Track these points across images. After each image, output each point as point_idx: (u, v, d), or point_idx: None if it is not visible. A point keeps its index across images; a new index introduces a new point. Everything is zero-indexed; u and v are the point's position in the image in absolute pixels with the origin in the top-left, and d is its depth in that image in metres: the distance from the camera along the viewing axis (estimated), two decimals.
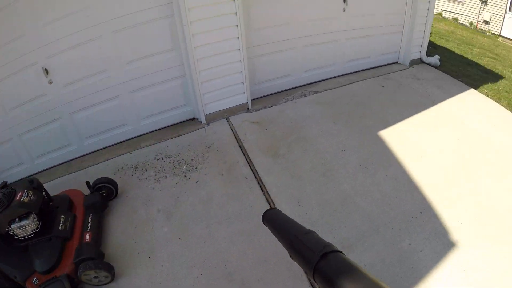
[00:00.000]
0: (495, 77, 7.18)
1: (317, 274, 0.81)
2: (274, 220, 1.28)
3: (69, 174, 3.97)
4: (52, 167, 4.10)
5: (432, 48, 8.14)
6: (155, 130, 4.56)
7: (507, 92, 6.57)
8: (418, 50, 6.30)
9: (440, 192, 3.60)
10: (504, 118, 5.29)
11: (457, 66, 7.13)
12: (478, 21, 14.52)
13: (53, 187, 3.55)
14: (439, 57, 6.99)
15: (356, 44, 5.49)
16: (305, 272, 1.14)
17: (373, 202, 3.46)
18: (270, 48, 4.75)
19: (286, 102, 5.01)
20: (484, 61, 8.13)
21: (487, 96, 6.03)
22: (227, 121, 4.69)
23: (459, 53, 8.26)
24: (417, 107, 4.92)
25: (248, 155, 4.12)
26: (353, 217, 3.30)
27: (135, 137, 4.46)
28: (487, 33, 13.94)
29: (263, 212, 1.36)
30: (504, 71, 7.85)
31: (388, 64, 6.19)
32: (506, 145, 4.56)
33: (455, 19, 15.17)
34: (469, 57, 8.18)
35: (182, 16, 3.66)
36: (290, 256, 1.01)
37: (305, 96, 5.09)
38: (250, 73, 4.71)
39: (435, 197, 3.54)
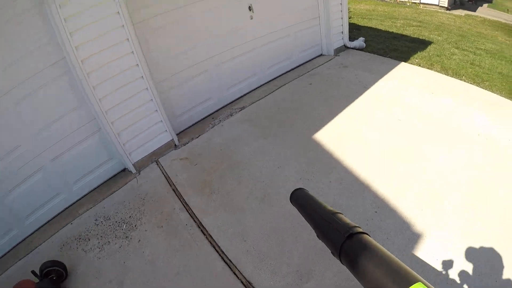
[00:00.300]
0: (423, 44, 7.18)
1: (343, 254, 0.84)
2: (302, 200, 1.26)
3: (19, 260, 3.50)
4: (0, 258, 3.60)
5: (356, 30, 8.10)
6: (90, 192, 4.15)
7: (438, 56, 6.53)
8: (340, 37, 6.15)
9: (391, 183, 3.29)
10: (441, 83, 5.17)
11: (384, 43, 7.08)
12: None
13: (7, 281, 3.19)
14: (363, 38, 6.90)
15: (274, 48, 5.23)
16: (332, 253, 0.97)
17: None
18: (181, 77, 4.37)
19: (213, 127, 4.61)
20: (410, 31, 8.19)
21: (419, 65, 5.93)
22: (157, 164, 4.28)
23: (383, 29, 8.27)
24: (349, 97, 4.67)
25: (183, 199, 3.72)
26: (304, 239, 2.93)
27: (72, 204, 4.07)
28: (408, 3, 14.46)
29: (291, 191, 1.33)
30: (431, 36, 7.92)
31: (313, 59, 5.98)
32: (448, 110, 4.38)
33: None
34: (394, 30, 8.22)
35: (77, 70, 3.25)
36: (317, 236, 1.02)
37: (231, 116, 4.72)
38: (167, 108, 4.32)
39: (387, 189, 3.22)
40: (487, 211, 2.96)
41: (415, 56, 6.34)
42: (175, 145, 4.48)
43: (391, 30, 8.17)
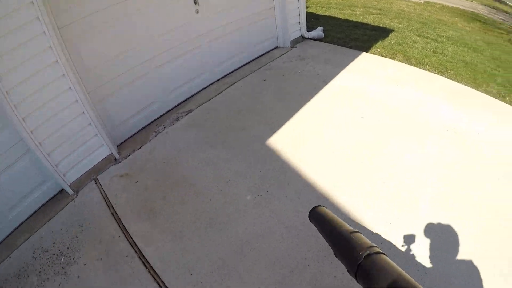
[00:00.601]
0: (384, 32, 6.92)
1: (359, 274, 0.84)
2: (320, 218, 1.24)
3: None
4: None
5: (315, 19, 7.74)
6: (27, 219, 3.64)
7: (400, 44, 6.28)
8: (297, 28, 5.73)
9: (356, 191, 2.89)
10: (405, 73, 4.87)
11: (343, 32, 6.74)
12: None
13: None
14: (322, 28, 6.53)
15: (225, 43, 4.70)
16: (348, 271, 0.93)
17: (278, 241, 2.64)
18: (119, 83, 3.75)
19: (156, 135, 4.03)
20: (370, 19, 7.94)
21: (382, 55, 5.63)
22: (96, 183, 3.68)
23: (343, 18, 7.96)
24: (308, 93, 4.25)
25: (123, 224, 3.18)
26: (257, 269, 2.48)
27: (10, 234, 3.58)
28: None
29: (310, 209, 1.28)
30: (392, 23, 7.69)
31: (268, 51, 5.52)
32: (414, 104, 4.07)
33: None
34: (354, 19, 7.92)
35: None
36: (334, 254, 1.03)
37: (177, 121, 4.16)
38: (106, 118, 3.75)
39: (352, 199, 2.82)
40: (461, 211, 2.65)
41: (377, 45, 6.03)
42: (115, 159, 3.91)
43: (350, 19, 7.87)
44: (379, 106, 3.98)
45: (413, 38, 6.73)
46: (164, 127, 4.13)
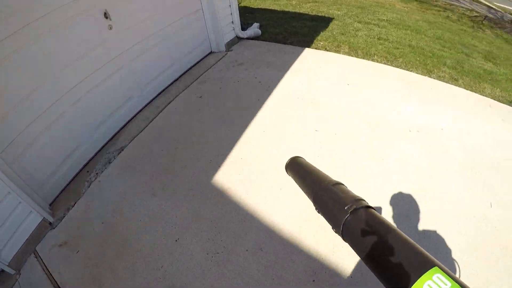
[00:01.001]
0: (324, 22, 6.56)
1: (345, 230, 0.78)
2: (299, 169, 1.17)
3: None
4: None
5: (250, 14, 7.21)
6: None
7: (342, 34, 5.93)
8: (231, 28, 5.15)
9: (325, 233, 2.44)
10: (353, 69, 4.48)
11: (282, 26, 6.28)
12: None
13: None
14: (258, 24, 6.01)
15: (150, 58, 3.95)
16: (332, 228, 0.83)
17: None
18: (33, 132, 2.84)
19: (89, 186, 3.22)
20: (307, 8, 7.56)
21: (326, 49, 5.23)
22: (36, 257, 2.85)
23: (279, 9, 7.51)
24: (251, 107, 3.70)
25: None
26: None
27: None
28: None
29: (287, 160, 1.24)
30: (330, 11, 7.37)
31: (202, 59, 4.89)
32: (370, 103, 3.70)
33: None
34: (290, 9, 7.50)
35: None
36: (316, 209, 0.95)
37: (109, 163, 3.38)
38: (27, 177, 2.90)
39: (323, 241, 2.37)
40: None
41: (319, 38, 5.64)
42: (50, 223, 3.12)
43: (287, 10, 7.45)
44: (332, 113, 3.55)
45: (355, 25, 6.44)
46: (96, 174, 3.35)
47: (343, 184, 0.94)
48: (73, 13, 2.90)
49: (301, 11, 7.27)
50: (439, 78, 4.60)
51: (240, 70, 4.44)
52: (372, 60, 4.91)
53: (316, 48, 5.14)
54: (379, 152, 3.05)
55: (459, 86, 4.44)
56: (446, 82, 4.51)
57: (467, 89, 4.31)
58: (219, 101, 3.84)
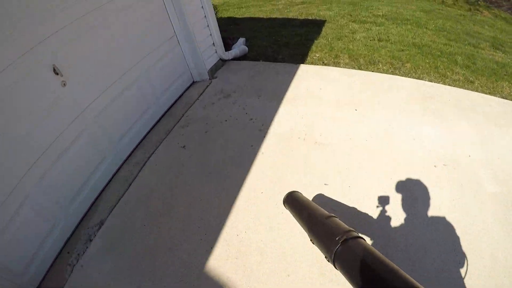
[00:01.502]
0: (316, 26, 5.74)
1: (337, 259, 0.80)
2: (295, 203, 1.20)
3: None
4: None
5: (234, 25, 6.40)
6: None
7: (338, 39, 5.13)
8: (213, 50, 4.35)
9: None
10: (358, 87, 3.67)
11: (270, 36, 5.47)
12: None
13: None
14: (244, 39, 5.21)
15: (118, 109, 3.03)
16: (325, 258, 0.86)
17: None
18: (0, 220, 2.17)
19: (72, 270, 2.46)
20: (295, 12, 6.73)
21: (323, 62, 4.42)
22: None
23: (265, 17, 6.69)
24: (244, 158, 2.89)
25: None
26: None
27: None
28: None
29: (285, 195, 1.28)
30: (321, 12, 6.54)
31: (184, 94, 4.06)
32: (386, 137, 2.92)
33: None
34: (278, 15, 6.68)
35: None
36: (311, 240, 0.98)
37: (90, 242, 2.57)
38: (4, 272, 2.25)
39: None
40: None
41: (313, 48, 4.84)
42: None
43: (274, 16, 6.63)
44: (342, 156, 2.77)
45: (351, 27, 5.63)
46: (78, 255, 2.57)
47: (336, 217, 0.96)
48: (16, 77, 2.15)
49: (289, 16, 6.45)
50: (454, 83, 3.84)
51: (228, 104, 3.66)
52: (377, 69, 4.13)
53: (312, 63, 4.35)
54: (407, 205, 2.29)
55: (476, 89, 3.70)
56: (462, 86, 3.77)
57: (485, 93, 3.62)
58: (206, 151, 3.06)
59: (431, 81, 3.88)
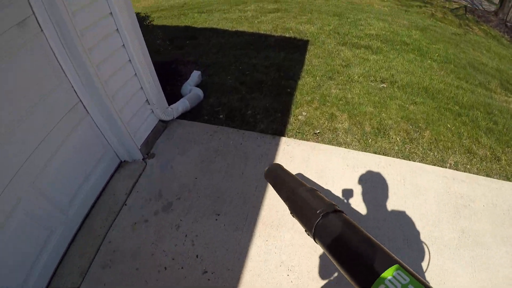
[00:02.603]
0: (298, 52, 4.05)
1: (317, 233, 0.76)
2: (276, 174, 1.14)
3: None
4: None
5: (191, 40, 4.54)
6: None
7: (330, 78, 3.52)
8: (147, 111, 2.53)
9: None
10: (369, 184, 2.17)
11: (235, 66, 3.69)
12: None
13: None
14: (199, 73, 3.45)
15: (8, 241, 1.53)
16: (305, 231, 0.81)
17: None
18: None
19: None
20: (268, 23, 4.94)
21: (315, 131, 2.78)
22: None
23: (231, 29, 4.86)
24: None
25: None
26: None
27: None
28: None
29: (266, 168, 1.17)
30: (300, 27, 4.82)
31: (107, 185, 2.28)
32: None
33: None
34: (246, 27, 4.85)
35: None
36: (291, 212, 0.92)
37: None
38: None
39: None
40: None
41: (298, 95, 3.20)
42: None
43: (242, 29, 4.84)
44: None
45: (342, 55, 4.03)
46: None
47: (317, 190, 0.90)
48: None
49: (261, 30, 4.70)
50: (481, 164, 2.62)
51: (168, 227, 1.98)
52: (390, 143, 2.65)
53: (298, 131, 2.73)
54: None
55: (505, 171, 2.54)
56: (491, 169, 2.50)
57: None
58: None
59: (457, 164, 2.53)
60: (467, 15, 7.57)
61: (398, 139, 2.77)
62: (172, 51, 4.17)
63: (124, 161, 2.50)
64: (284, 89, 3.22)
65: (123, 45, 2.15)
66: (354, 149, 2.58)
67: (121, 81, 2.20)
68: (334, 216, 0.74)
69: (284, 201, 0.97)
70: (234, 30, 4.80)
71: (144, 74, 2.36)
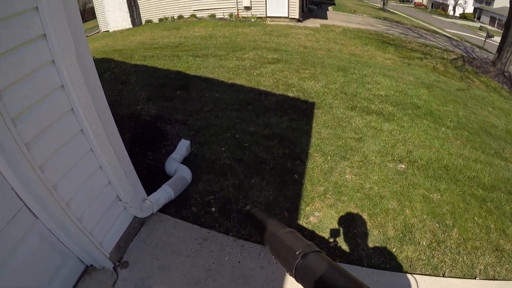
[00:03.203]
0: (302, 118, 3.51)
1: (298, 273, 0.77)
2: (255, 219, 1.18)
3: None
4: None
5: (182, 91, 3.98)
6: None
7: (343, 158, 2.97)
8: (119, 209, 1.92)
9: None
10: None
11: (231, 134, 3.11)
12: (238, 10, 11.36)
13: None
14: (188, 143, 2.84)
15: None
16: (287, 271, 0.82)
17: None
18: None
19: None
20: (268, 77, 4.43)
21: (334, 244, 2.23)
22: None
23: (226, 81, 4.33)
24: None
25: None
26: None
27: None
28: (253, 20, 11.12)
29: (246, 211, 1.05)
30: (304, 84, 4.33)
31: None
32: None
33: (212, 16, 11.86)
34: (244, 81, 4.33)
35: None
36: (272, 254, 0.95)
37: None
38: None
39: None
40: None
41: (307, 187, 2.62)
42: None
43: (239, 82, 4.32)
44: None
45: (353, 124, 3.52)
46: None
47: (296, 232, 0.93)
48: None
49: (260, 86, 4.18)
50: (510, 262, 1.94)
51: None
52: (417, 256, 2.19)
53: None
54: None
55: None
56: None
57: None
58: None
59: (486, 268, 2.25)
60: (466, 66, 7.34)
61: (424, 243, 2.20)
62: (158, 102, 3.60)
63: (91, 265, 1.83)
64: (290, 174, 2.64)
65: (81, 130, 1.53)
66: (374, 263, 1.98)
67: (79, 181, 1.58)
68: (313, 256, 0.75)
69: (264, 244, 0.97)
70: (230, 82, 4.28)
71: (113, 167, 1.73)
